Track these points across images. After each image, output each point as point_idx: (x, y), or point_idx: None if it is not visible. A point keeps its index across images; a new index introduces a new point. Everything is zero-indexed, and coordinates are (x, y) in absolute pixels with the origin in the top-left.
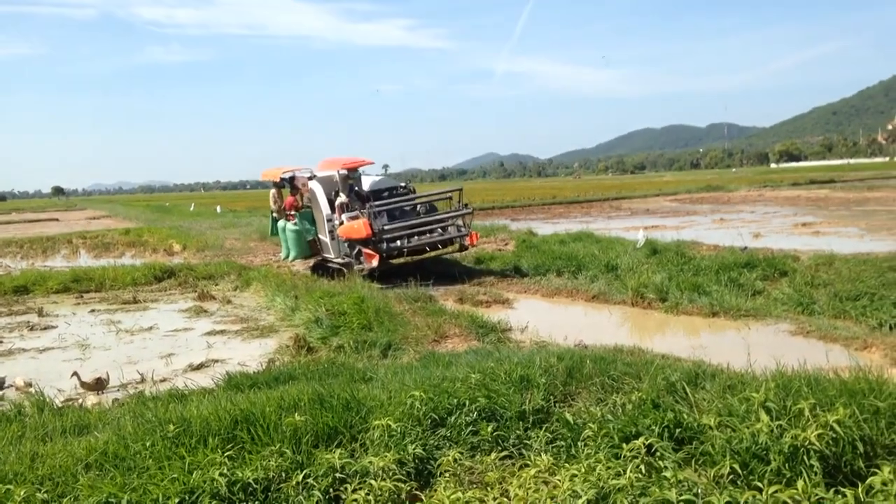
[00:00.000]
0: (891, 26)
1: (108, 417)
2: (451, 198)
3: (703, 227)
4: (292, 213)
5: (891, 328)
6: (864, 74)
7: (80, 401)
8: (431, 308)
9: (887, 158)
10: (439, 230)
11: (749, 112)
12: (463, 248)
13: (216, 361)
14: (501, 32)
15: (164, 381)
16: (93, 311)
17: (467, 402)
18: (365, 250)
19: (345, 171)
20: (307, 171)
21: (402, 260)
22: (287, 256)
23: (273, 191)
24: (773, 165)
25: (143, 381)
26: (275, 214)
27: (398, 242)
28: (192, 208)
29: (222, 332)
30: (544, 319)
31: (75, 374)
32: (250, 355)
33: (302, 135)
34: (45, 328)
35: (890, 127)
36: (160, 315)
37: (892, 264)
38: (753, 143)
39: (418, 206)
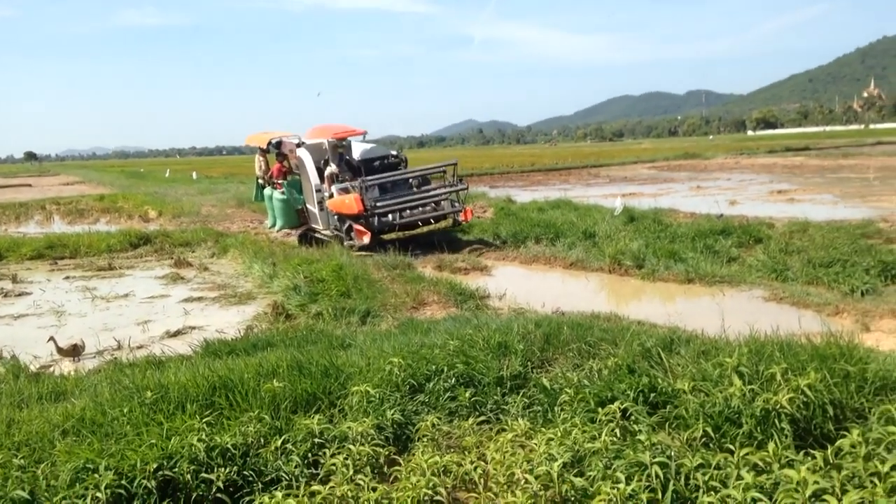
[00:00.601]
0: None
1: (85, 384)
2: (444, 172)
3: (680, 194)
4: (280, 180)
5: (862, 294)
6: (841, 41)
7: (56, 367)
8: (410, 275)
9: (862, 126)
10: (432, 204)
11: (727, 79)
12: (457, 223)
13: (193, 328)
14: None
15: (140, 347)
16: (67, 277)
17: (445, 369)
18: (356, 226)
19: (334, 140)
20: (295, 138)
21: (393, 235)
22: (273, 225)
23: (259, 156)
24: (749, 133)
25: (119, 347)
26: (260, 181)
27: (390, 217)
28: (167, 174)
29: (199, 299)
30: (522, 286)
31: (52, 339)
32: (228, 322)
33: (278, 101)
34: (19, 295)
35: (865, 94)
36: (136, 282)
37: (864, 231)
38: (731, 110)
39: (411, 180)
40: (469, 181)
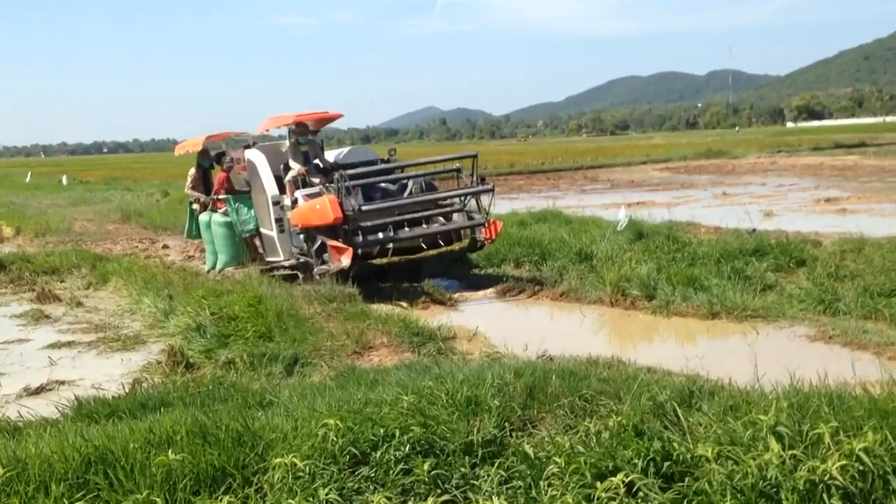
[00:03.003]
0: None
1: None
2: (458, 170)
3: (701, 203)
4: (220, 197)
5: None
6: None
7: None
8: (351, 310)
9: None
10: (441, 218)
11: (759, 57)
12: (475, 245)
13: (62, 383)
14: None
15: None
16: None
17: (397, 433)
18: (331, 243)
19: (296, 129)
20: (244, 140)
21: (385, 260)
22: (214, 266)
23: (192, 171)
24: (789, 125)
25: None
26: (194, 206)
27: (381, 235)
28: (27, 179)
29: (70, 343)
30: (498, 324)
31: None
32: (108, 375)
33: (186, 84)
34: None
35: None
36: None
37: None
38: (765, 95)
39: (410, 183)
40: None
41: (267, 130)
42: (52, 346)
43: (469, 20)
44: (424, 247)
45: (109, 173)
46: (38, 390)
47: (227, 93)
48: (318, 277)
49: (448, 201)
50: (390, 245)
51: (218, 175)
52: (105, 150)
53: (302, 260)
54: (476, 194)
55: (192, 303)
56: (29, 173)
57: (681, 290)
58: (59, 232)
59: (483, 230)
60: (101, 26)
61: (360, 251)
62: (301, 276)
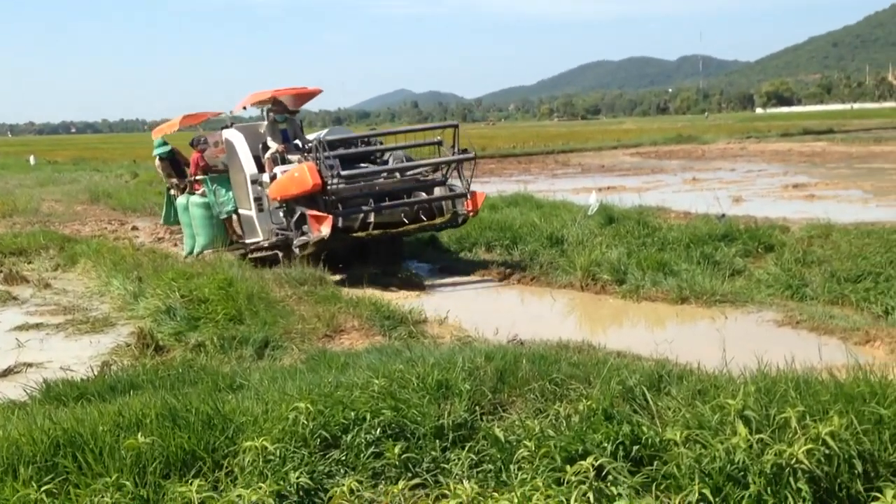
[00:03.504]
0: None
1: None
2: (440, 143)
3: (671, 188)
4: (198, 178)
5: None
6: None
7: None
8: (322, 293)
9: None
10: (422, 194)
11: (730, 43)
12: (457, 219)
13: (30, 366)
14: None
15: None
16: None
17: (368, 416)
18: (310, 212)
19: (274, 108)
20: (222, 122)
21: (365, 234)
22: (192, 250)
23: (157, 163)
24: (759, 111)
25: None
26: (171, 191)
27: (363, 211)
28: None
29: (38, 326)
30: (469, 308)
31: None
32: (77, 357)
33: (151, 64)
34: None
35: None
36: None
37: None
38: (735, 81)
39: (389, 157)
40: None
41: (244, 108)
42: (20, 328)
43: (440, 3)
44: (406, 221)
45: (78, 153)
46: (6, 373)
47: (196, 73)
48: (296, 252)
49: (429, 176)
50: (371, 219)
51: (192, 156)
52: (73, 130)
53: (281, 236)
54: (457, 163)
55: (162, 285)
56: None
57: (650, 275)
58: (27, 213)
59: (465, 202)
60: (70, 7)
61: (340, 222)
62: (281, 255)
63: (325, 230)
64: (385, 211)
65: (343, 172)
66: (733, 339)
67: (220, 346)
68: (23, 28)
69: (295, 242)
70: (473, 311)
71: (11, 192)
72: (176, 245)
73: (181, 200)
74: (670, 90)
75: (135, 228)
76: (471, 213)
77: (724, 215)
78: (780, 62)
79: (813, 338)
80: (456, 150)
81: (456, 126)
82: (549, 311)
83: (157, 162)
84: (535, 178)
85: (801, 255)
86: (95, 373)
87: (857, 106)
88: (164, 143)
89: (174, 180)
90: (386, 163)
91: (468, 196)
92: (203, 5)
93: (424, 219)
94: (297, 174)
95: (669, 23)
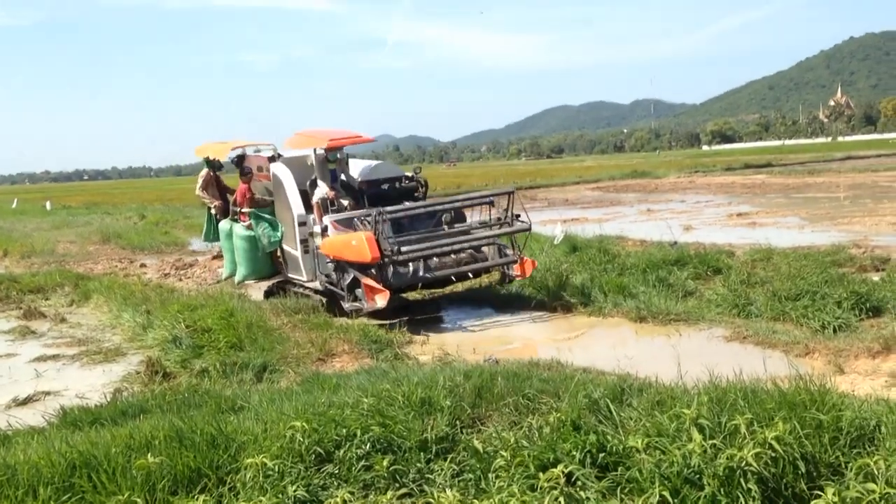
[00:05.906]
0: None
1: None
2: (492, 203)
3: (628, 219)
4: (245, 209)
5: (834, 331)
6: (803, 44)
7: None
8: (315, 321)
9: (829, 139)
10: (471, 251)
11: (677, 87)
12: (504, 279)
13: (48, 394)
14: None
15: None
16: None
17: (358, 432)
18: (365, 280)
19: (322, 152)
20: (268, 150)
21: (416, 294)
22: (233, 274)
23: (204, 172)
24: (704, 147)
25: None
26: (213, 211)
27: (411, 267)
28: (14, 205)
29: (55, 357)
30: (449, 329)
31: None
32: (91, 385)
33: (159, 115)
34: None
35: (832, 103)
36: None
37: (835, 258)
38: (683, 122)
39: (441, 213)
40: None
41: (294, 149)
42: (39, 359)
43: (417, 56)
44: (454, 279)
45: (90, 198)
46: (26, 401)
47: (200, 122)
48: (349, 311)
49: (478, 236)
50: (420, 278)
51: (239, 187)
52: (86, 178)
53: (327, 286)
54: (511, 233)
55: (169, 317)
56: (15, 199)
57: (612, 297)
58: (44, 253)
59: (515, 267)
60: (81, 63)
61: (394, 290)
62: (323, 300)
63: (381, 302)
64: (436, 270)
65: (404, 249)
66: (687, 354)
67: (223, 371)
68: (40, 86)
69: (347, 306)
70: (452, 334)
71: (30, 234)
72: (181, 280)
73: (224, 226)
74: (625, 130)
75: (143, 266)
76: (519, 276)
77: (676, 242)
78: (722, 104)
79: (758, 351)
80: (510, 216)
81: (512, 192)
82: (521, 332)
83: (203, 171)
84: None
85: (745, 277)
86: (108, 399)
87: (791, 142)
88: (209, 161)
89: (208, 197)
90: (433, 213)
91: (519, 262)
92: (208, 63)
93: (471, 276)
94: (356, 243)
95: (623, 70)
